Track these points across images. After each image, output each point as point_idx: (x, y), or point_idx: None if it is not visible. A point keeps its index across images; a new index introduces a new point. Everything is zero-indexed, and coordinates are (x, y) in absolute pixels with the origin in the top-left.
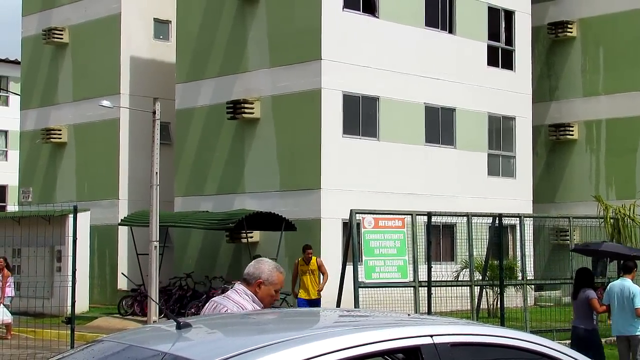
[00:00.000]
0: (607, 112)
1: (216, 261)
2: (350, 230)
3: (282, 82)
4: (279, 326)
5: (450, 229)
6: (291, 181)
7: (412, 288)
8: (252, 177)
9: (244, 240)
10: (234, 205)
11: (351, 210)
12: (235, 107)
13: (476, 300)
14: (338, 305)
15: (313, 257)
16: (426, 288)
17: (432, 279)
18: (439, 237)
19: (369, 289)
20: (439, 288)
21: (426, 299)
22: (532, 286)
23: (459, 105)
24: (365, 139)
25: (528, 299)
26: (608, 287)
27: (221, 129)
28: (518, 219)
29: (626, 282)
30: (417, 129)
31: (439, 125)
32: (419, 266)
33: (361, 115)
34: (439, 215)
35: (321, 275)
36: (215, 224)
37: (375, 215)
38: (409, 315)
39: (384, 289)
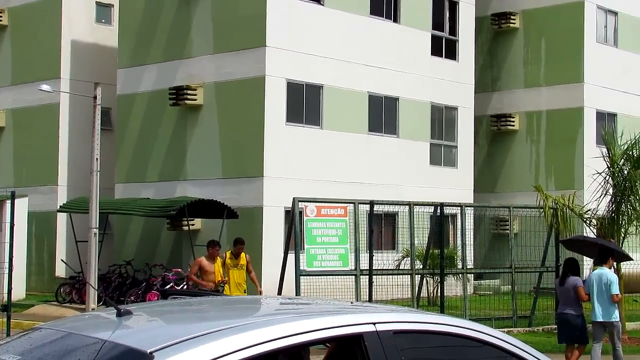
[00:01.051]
0: (547, 103)
1: (157, 249)
2: (293, 219)
3: (225, 68)
4: (221, 314)
5: (392, 217)
6: (234, 169)
7: (354, 276)
8: (194, 164)
9: (185, 228)
10: (176, 192)
11: (294, 198)
12: (178, 94)
13: (417, 288)
14: (279, 293)
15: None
16: (367, 276)
17: (374, 268)
18: (381, 226)
19: (311, 277)
20: (380, 276)
21: (367, 287)
22: (472, 275)
23: (402, 95)
24: (308, 127)
25: (468, 287)
26: (587, 276)
27: (163, 115)
28: (459, 208)
29: (604, 271)
30: (361, 117)
31: (383, 115)
32: (360, 254)
33: (305, 104)
34: (381, 204)
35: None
36: (156, 211)
37: (317, 204)
38: (351, 303)
39: (325, 277)
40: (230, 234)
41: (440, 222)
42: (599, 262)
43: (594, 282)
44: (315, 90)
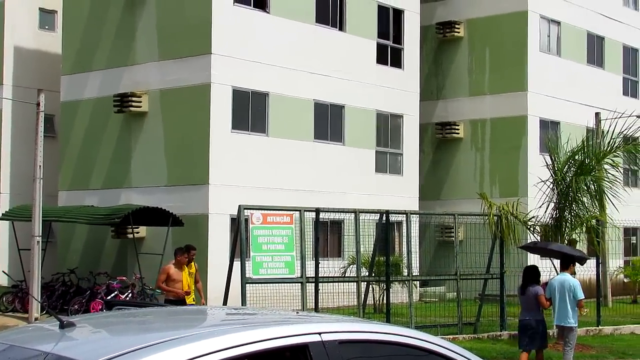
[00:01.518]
0: (491, 112)
1: (101, 257)
2: (239, 226)
3: (171, 75)
4: (165, 325)
5: (338, 225)
6: (179, 176)
7: (300, 284)
8: (139, 171)
9: (130, 236)
10: (120, 200)
11: (239, 205)
12: (123, 101)
13: (362, 296)
14: (225, 302)
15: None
16: (314, 284)
17: (320, 275)
18: (327, 233)
19: (257, 284)
20: (326, 284)
21: (313, 294)
22: (418, 282)
23: (348, 102)
24: (254, 134)
25: (414, 294)
26: (549, 282)
27: (108, 123)
28: (404, 215)
29: (565, 277)
30: (306, 125)
31: (328, 122)
32: (306, 262)
33: (250, 111)
34: (327, 211)
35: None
36: (101, 218)
37: (263, 211)
38: (296, 312)
39: (271, 285)
40: (175, 242)
41: (386, 229)
42: (561, 268)
43: (556, 288)
44: (261, 98)
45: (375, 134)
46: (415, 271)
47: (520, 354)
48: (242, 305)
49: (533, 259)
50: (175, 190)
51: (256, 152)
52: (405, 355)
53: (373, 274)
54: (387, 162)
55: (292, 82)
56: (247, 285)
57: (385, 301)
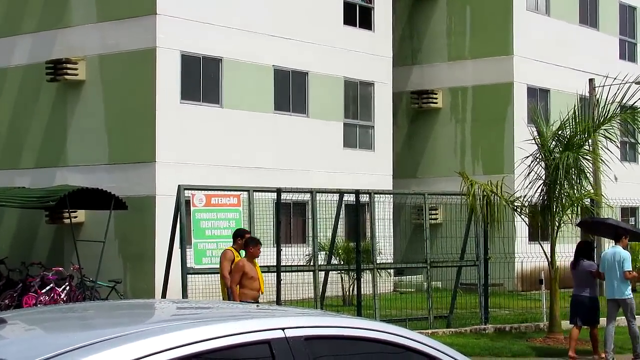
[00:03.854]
0: (473, 78)
1: (34, 245)
2: (178, 209)
3: (111, 39)
4: (109, 321)
5: (301, 207)
6: (121, 153)
7: None
8: (76, 148)
9: (67, 221)
10: (55, 180)
11: (179, 185)
12: (57, 68)
13: (320, 286)
14: (164, 295)
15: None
16: (270, 273)
17: (282, 264)
18: (289, 217)
19: (199, 275)
20: (289, 274)
21: (273, 285)
22: (392, 270)
23: (312, 69)
24: (206, 105)
25: (387, 284)
26: (602, 255)
27: (40, 93)
28: (376, 195)
29: (617, 249)
30: (266, 94)
31: (290, 91)
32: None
33: (202, 79)
34: (289, 191)
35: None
36: (33, 202)
37: (207, 192)
38: (257, 306)
39: (216, 275)
40: (118, 227)
41: (356, 211)
42: (614, 240)
43: (607, 261)
44: (213, 64)
45: (343, 105)
46: (389, 258)
47: (572, 329)
48: (182, 298)
49: (522, 245)
50: (117, 169)
51: (209, 126)
52: (380, 352)
53: (342, 262)
54: (357, 136)
55: (249, 45)
56: (189, 276)
57: (355, 292)
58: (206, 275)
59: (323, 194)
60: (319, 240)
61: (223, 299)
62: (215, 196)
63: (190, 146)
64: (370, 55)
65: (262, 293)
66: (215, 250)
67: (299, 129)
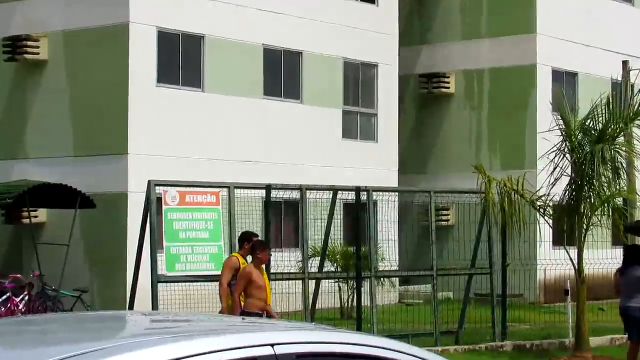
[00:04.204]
0: (490, 60)
1: None
2: (148, 208)
3: (76, 13)
4: (74, 336)
5: (294, 206)
6: (89, 144)
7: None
8: (36, 138)
9: (26, 221)
10: (13, 174)
11: (149, 181)
12: (15, 45)
13: (311, 296)
14: (131, 305)
15: None
16: None
17: (272, 271)
18: (280, 217)
19: (172, 284)
20: (280, 282)
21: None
22: (397, 279)
23: (307, 48)
24: (186, 89)
25: (391, 295)
26: None
27: None
28: (377, 194)
29: None
30: (254, 77)
31: (282, 74)
32: None
33: (181, 59)
34: (281, 188)
35: None
36: None
37: (181, 188)
38: (243, 319)
39: (192, 284)
40: (85, 228)
41: (356, 212)
42: None
43: None
44: (194, 42)
45: (342, 89)
46: (394, 265)
47: (629, 346)
48: (152, 310)
49: (545, 250)
50: (84, 162)
51: (189, 113)
52: None
53: (340, 269)
54: (358, 126)
55: (235, 21)
56: (160, 284)
57: (355, 304)
58: (180, 284)
59: (317, 191)
60: (313, 244)
61: (221, 312)
62: (191, 193)
63: (167, 136)
64: (374, 33)
65: (269, 304)
66: (191, 255)
67: (291, 116)
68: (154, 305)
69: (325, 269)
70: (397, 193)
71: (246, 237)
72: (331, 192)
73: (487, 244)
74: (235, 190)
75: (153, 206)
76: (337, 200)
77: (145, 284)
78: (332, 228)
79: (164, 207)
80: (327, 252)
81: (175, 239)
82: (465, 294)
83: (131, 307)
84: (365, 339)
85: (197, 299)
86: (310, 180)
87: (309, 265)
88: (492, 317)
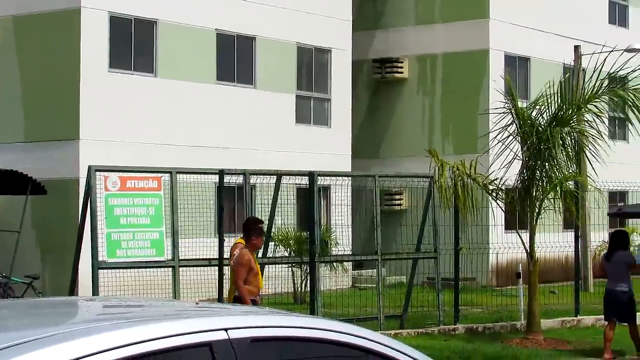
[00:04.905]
0: (444, 45)
1: None
2: (88, 194)
3: None
4: (25, 321)
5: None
6: (40, 129)
7: (171, 268)
8: None
9: None
10: None
11: (89, 166)
12: None
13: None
14: (72, 292)
15: None
16: (188, 268)
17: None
18: (233, 202)
19: (113, 271)
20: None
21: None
22: (350, 263)
23: (260, 33)
24: (138, 74)
25: (344, 279)
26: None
27: None
28: (327, 178)
29: None
30: (207, 62)
31: (235, 59)
32: (180, 240)
33: (134, 44)
34: (234, 174)
35: None
36: None
37: (121, 174)
38: (197, 304)
39: (134, 271)
40: (36, 215)
41: (311, 197)
42: None
43: None
44: (147, 27)
45: (296, 74)
46: (347, 249)
47: (605, 328)
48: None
49: (497, 234)
50: (35, 148)
51: (141, 98)
52: (337, 356)
53: (293, 254)
54: (311, 110)
55: (188, 6)
56: (101, 271)
57: (309, 289)
58: (121, 270)
59: (262, 175)
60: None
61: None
62: (132, 179)
63: (120, 122)
64: (327, 17)
65: (261, 288)
66: (132, 241)
67: (244, 102)
68: (95, 292)
69: (279, 254)
70: (350, 178)
71: (254, 223)
72: (286, 177)
73: (433, 228)
74: (187, 175)
75: (93, 192)
76: (290, 185)
77: (86, 271)
78: (284, 213)
79: (104, 192)
80: (280, 238)
81: (116, 225)
82: (411, 278)
83: (71, 294)
84: (319, 322)
85: (142, 284)
86: (263, 166)
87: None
88: (437, 301)
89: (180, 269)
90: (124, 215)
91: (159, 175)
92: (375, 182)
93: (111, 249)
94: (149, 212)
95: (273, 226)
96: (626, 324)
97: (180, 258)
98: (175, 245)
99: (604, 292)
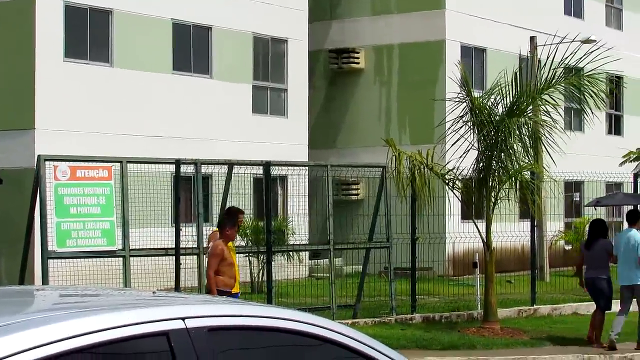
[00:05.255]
0: (400, 36)
1: None
2: (38, 183)
3: None
4: None
5: (205, 181)
6: None
7: (122, 258)
8: None
9: None
10: None
11: (39, 156)
12: None
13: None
14: (21, 281)
15: None
16: (140, 258)
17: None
18: (190, 192)
19: (63, 260)
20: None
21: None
22: (306, 253)
23: (216, 23)
24: (94, 64)
25: (301, 269)
26: (615, 237)
27: None
28: (286, 168)
29: (632, 232)
30: (163, 52)
31: (191, 49)
32: (131, 229)
33: (89, 34)
34: (190, 163)
35: None
36: None
37: (71, 163)
38: (153, 293)
39: (84, 261)
40: None
41: (267, 186)
42: (628, 223)
43: (621, 245)
44: (102, 17)
45: (252, 64)
46: (304, 239)
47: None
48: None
49: (453, 224)
50: None
51: (97, 88)
52: (294, 344)
53: (249, 243)
54: (268, 101)
55: None
56: (51, 260)
57: (265, 278)
58: (72, 260)
59: (225, 166)
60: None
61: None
62: (82, 168)
63: (75, 111)
64: (283, 8)
65: (238, 280)
66: (82, 231)
67: (201, 92)
68: (44, 282)
69: (236, 244)
70: (307, 168)
71: (233, 214)
72: (243, 167)
73: (386, 218)
74: (144, 166)
75: (43, 182)
76: (247, 175)
77: (36, 261)
78: (241, 203)
79: (54, 182)
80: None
81: (66, 214)
82: (363, 268)
83: (21, 283)
84: (277, 311)
85: (90, 275)
86: (220, 156)
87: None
88: (390, 291)
89: (137, 259)
90: (74, 205)
91: (110, 164)
92: (327, 172)
93: (61, 238)
94: (100, 202)
95: (216, 216)
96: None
97: (132, 248)
98: (126, 235)
99: (585, 281)
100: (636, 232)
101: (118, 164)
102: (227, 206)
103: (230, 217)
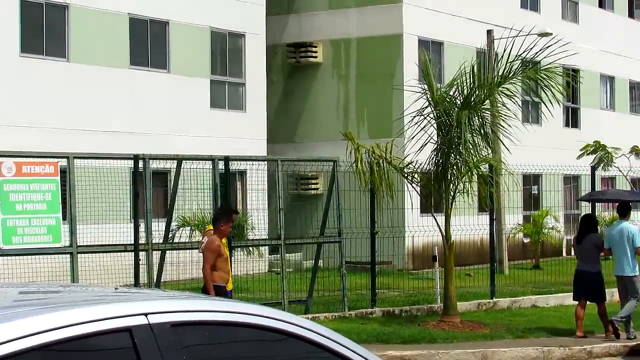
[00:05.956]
0: (357, 29)
1: None
2: None
3: None
4: None
5: (163, 176)
6: None
7: (69, 255)
8: None
9: None
10: None
11: None
12: None
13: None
14: None
15: None
16: (85, 255)
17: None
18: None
19: (9, 257)
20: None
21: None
22: (266, 248)
23: (173, 18)
24: (51, 59)
25: (260, 264)
26: (607, 231)
27: None
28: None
29: (623, 224)
30: (120, 47)
31: (149, 44)
32: (77, 226)
33: (45, 29)
34: (148, 158)
35: None
36: None
37: (17, 159)
38: (116, 289)
39: (31, 257)
40: None
41: (225, 181)
42: (619, 216)
43: (614, 237)
44: (58, 11)
45: (210, 59)
46: (264, 234)
47: (577, 308)
48: None
49: (412, 217)
50: None
51: (54, 83)
52: (259, 340)
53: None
54: (226, 95)
55: None
56: None
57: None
58: (17, 257)
59: (183, 161)
60: (182, 215)
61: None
62: (28, 164)
63: (31, 106)
64: (241, 2)
65: (230, 276)
66: (28, 228)
67: (158, 86)
68: None
69: (195, 239)
70: (266, 163)
71: (227, 211)
72: (203, 162)
73: (337, 212)
74: (103, 161)
75: None
76: (206, 170)
77: None
78: (201, 198)
79: (0, 178)
80: (197, 223)
81: (12, 211)
82: (315, 262)
83: None
84: (242, 307)
85: (38, 272)
86: (179, 151)
87: (179, 235)
88: (342, 285)
89: (94, 255)
90: (20, 202)
91: (56, 160)
92: (278, 167)
93: (7, 235)
94: (46, 198)
95: (175, 212)
96: (594, 303)
97: (84, 244)
98: (73, 232)
99: (574, 273)
100: (628, 224)
101: (65, 160)
102: (174, 201)
103: (225, 214)
